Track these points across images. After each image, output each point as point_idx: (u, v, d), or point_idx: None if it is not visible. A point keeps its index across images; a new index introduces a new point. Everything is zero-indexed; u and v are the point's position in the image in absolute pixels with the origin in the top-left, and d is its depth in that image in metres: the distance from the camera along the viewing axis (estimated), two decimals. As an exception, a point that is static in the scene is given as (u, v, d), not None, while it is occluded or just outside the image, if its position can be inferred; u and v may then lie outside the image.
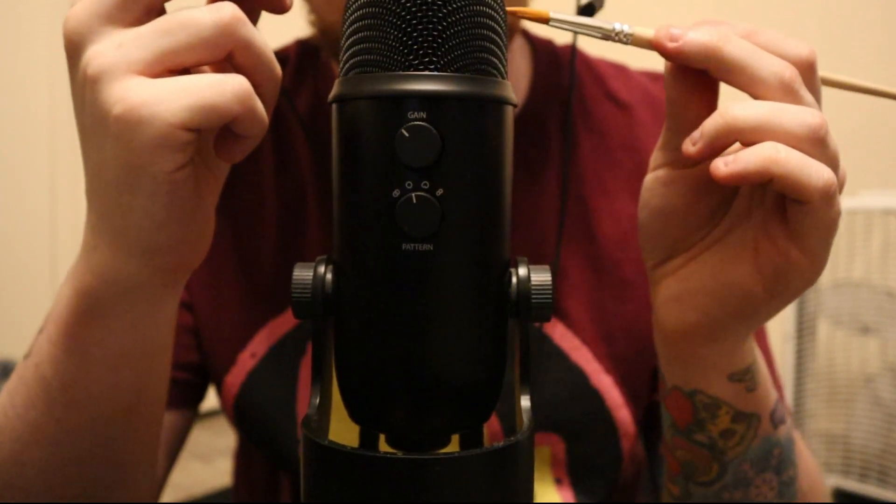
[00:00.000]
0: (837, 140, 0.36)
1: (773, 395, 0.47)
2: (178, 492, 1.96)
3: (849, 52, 1.99)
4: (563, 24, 0.36)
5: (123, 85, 0.31)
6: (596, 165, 0.62)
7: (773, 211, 0.38)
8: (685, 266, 0.41)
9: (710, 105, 0.38)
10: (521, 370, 0.32)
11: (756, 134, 0.34)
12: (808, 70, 0.36)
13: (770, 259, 0.37)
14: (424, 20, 0.28)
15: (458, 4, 0.29)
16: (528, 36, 0.66)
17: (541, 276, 0.31)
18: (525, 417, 0.31)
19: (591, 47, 0.70)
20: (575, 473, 0.60)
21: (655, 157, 0.42)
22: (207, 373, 0.63)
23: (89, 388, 0.42)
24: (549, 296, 0.31)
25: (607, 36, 0.37)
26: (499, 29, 0.30)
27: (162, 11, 0.34)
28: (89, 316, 0.39)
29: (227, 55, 0.33)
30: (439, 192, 0.28)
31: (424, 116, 0.28)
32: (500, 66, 0.30)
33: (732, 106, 0.35)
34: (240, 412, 0.61)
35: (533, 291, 0.31)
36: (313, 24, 0.58)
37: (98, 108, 0.32)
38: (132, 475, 0.47)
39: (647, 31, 0.37)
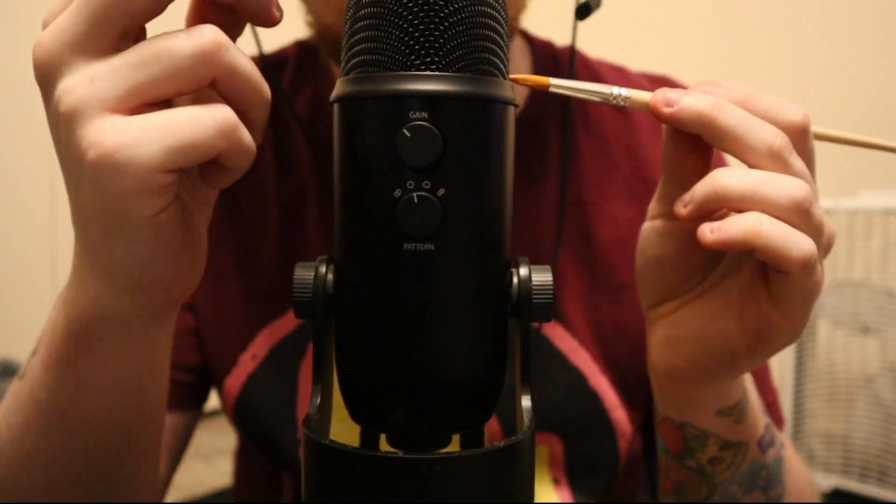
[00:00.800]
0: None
1: (762, 422, 0.49)
2: (179, 492, 1.96)
3: (848, 51, 1.99)
4: (563, 88, 0.37)
5: (97, 126, 0.29)
6: (594, 168, 0.62)
7: (757, 274, 0.39)
8: (677, 311, 0.43)
9: (704, 164, 0.39)
10: (521, 370, 0.32)
11: (742, 202, 0.35)
12: (800, 135, 0.37)
13: (752, 319, 0.39)
14: (426, 20, 0.28)
15: (460, 5, 0.29)
16: (527, 37, 0.66)
17: (542, 277, 0.31)
18: (526, 417, 0.31)
19: (591, 48, 0.70)
20: (573, 473, 0.60)
21: (653, 207, 0.43)
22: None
23: (84, 414, 0.41)
24: (550, 296, 0.31)
25: (606, 99, 0.38)
26: (500, 29, 0.30)
27: (141, 35, 0.32)
28: (80, 345, 0.38)
29: (210, 83, 0.31)
30: (441, 191, 0.28)
31: (426, 116, 0.28)
32: (501, 66, 0.30)
33: (722, 173, 0.36)
34: (240, 414, 0.61)
35: (534, 292, 0.31)
36: (311, 24, 0.58)
37: (73, 149, 0.30)
38: (133, 490, 0.47)
39: (644, 95, 0.38)
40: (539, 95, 0.63)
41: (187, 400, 0.62)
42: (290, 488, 0.63)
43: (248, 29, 0.51)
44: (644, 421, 0.63)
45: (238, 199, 0.61)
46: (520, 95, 0.62)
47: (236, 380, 0.60)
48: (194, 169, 0.35)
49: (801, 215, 0.35)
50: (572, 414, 0.59)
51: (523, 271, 0.31)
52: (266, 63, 0.64)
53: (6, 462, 0.44)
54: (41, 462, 0.43)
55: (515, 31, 0.62)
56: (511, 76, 0.32)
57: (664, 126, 0.39)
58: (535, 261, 0.32)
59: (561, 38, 0.67)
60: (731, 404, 0.45)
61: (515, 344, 0.33)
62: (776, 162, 0.36)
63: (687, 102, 0.36)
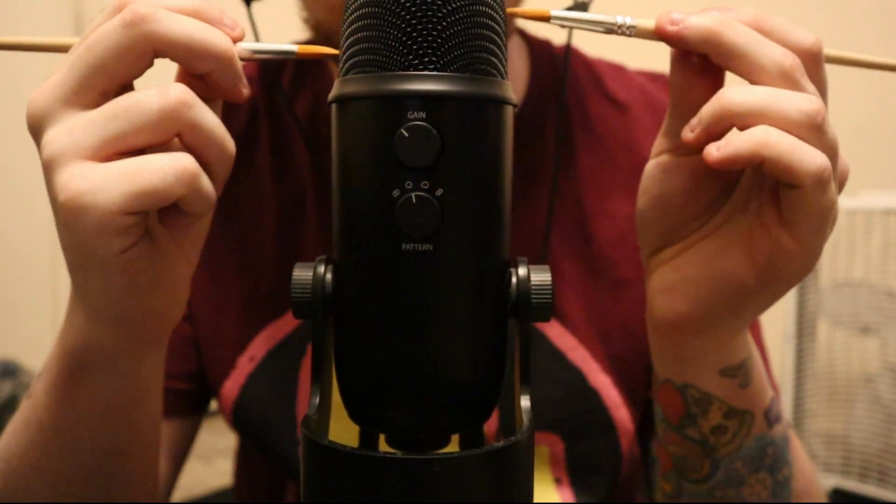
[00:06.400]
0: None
1: (769, 393, 0.47)
2: (178, 492, 1.95)
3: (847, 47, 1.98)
4: (564, 20, 0.36)
5: (69, 172, 0.31)
6: (592, 166, 0.62)
7: (768, 199, 0.37)
8: (679, 255, 0.41)
9: (714, 91, 0.38)
10: (520, 370, 0.32)
11: (752, 118, 0.34)
12: (812, 60, 0.36)
13: (762, 247, 0.37)
14: (424, 20, 0.28)
15: (458, 4, 0.29)
16: (525, 36, 0.66)
17: (541, 276, 0.31)
18: (525, 417, 0.31)
19: (590, 48, 0.70)
20: (574, 473, 0.60)
21: (658, 143, 0.41)
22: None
23: (78, 437, 0.44)
24: (550, 296, 0.31)
25: (610, 29, 0.36)
26: (498, 29, 0.30)
27: (121, 92, 0.34)
28: (73, 373, 0.41)
29: (175, 135, 0.33)
30: (439, 192, 0.28)
31: (424, 116, 0.28)
32: (499, 65, 0.30)
33: (729, 90, 0.35)
34: (239, 416, 0.60)
35: (533, 291, 0.31)
36: (306, 21, 0.59)
37: (50, 192, 0.32)
38: (132, 498, 0.49)
39: (648, 22, 0.37)
40: (536, 93, 0.63)
41: (187, 407, 0.62)
42: (291, 489, 0.62)
43: (249, 30, 0.51)
44: (641, 417, 0.63)
45: (237, 201, 0.61)
46: (517, 93, 0.62)
47: (235, 382, 0.60)
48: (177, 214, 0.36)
49: (813, 130, 0.34)
50: (572, 412, 0.59)
51: (522, 271, 0.31)
52: (266, 64, 0.64)
53: (15, 474, 0.47)
54: (45, 475, 0.46)
55: (513, 30, 0.62)
56: (510, 10, 0.31)
57: (671, 51, 0.38)
58: (532, 259, 0.32)
59: (559, 38, 0.67)
60: (736, 363, 0.43)
61: (514, 344, 0.33)
62: (787, 82, 0.34)
63: (693, 20, 0.35)
